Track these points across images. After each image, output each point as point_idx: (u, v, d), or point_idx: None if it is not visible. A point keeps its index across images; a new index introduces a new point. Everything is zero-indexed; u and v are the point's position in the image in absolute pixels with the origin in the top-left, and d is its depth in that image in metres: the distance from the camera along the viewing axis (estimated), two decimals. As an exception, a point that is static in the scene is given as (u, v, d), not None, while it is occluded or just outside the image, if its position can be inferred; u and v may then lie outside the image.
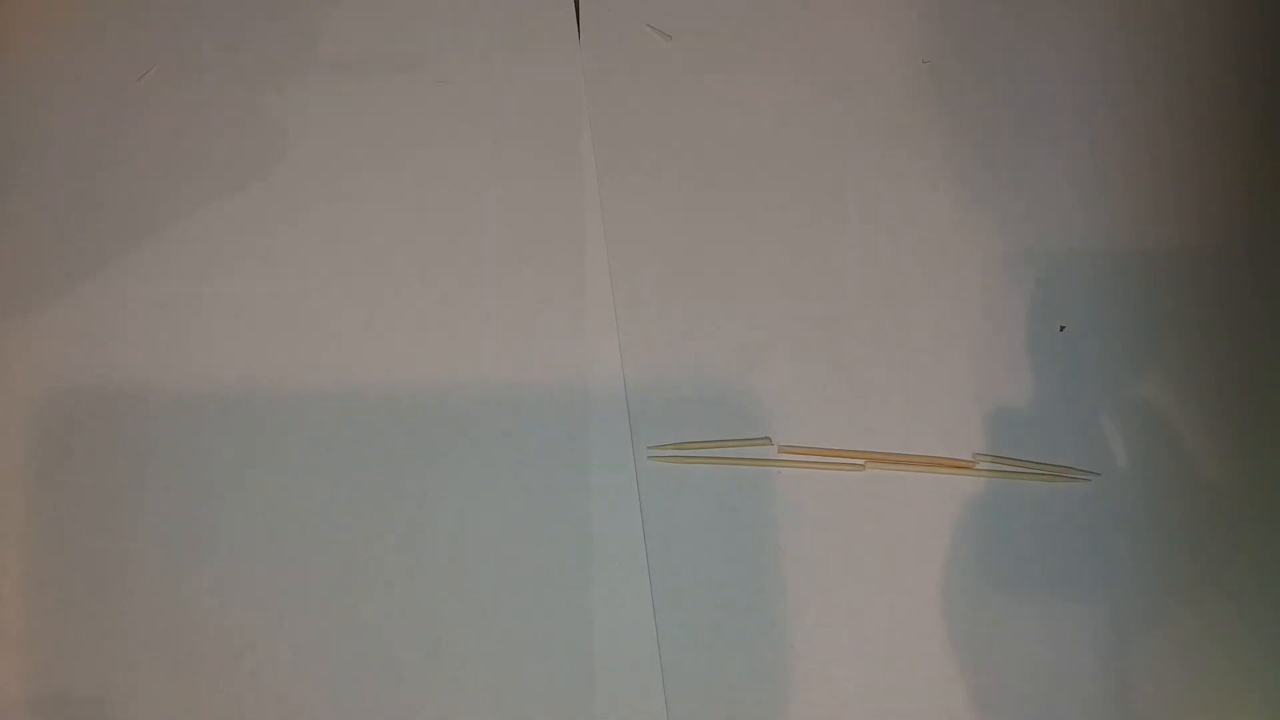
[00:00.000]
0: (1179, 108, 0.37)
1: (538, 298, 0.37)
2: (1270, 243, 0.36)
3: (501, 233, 0.37)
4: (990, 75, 0.37)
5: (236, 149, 0.39)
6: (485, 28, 0.39)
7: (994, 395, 0.35)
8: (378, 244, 0.38)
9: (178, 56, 0.40)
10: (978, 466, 0.35)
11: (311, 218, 0.38)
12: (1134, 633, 0.34)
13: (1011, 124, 0.37)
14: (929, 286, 0.36)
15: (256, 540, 0.36)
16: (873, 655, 0.34)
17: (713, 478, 0.35)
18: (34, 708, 0.34)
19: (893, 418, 0.35)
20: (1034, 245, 0.36)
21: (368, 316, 0.37)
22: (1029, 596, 0.34)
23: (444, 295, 0.37)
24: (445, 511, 0.35)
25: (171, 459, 0.36)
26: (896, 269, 0.36)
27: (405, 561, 0.35)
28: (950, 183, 0.37)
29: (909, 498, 0.35)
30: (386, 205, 0.38)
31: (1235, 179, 0.37)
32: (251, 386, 0.37)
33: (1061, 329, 0.36)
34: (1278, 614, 0.33)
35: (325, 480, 0.36)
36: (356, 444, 0.36)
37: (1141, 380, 0.35)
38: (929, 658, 0.34)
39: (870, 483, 0.35)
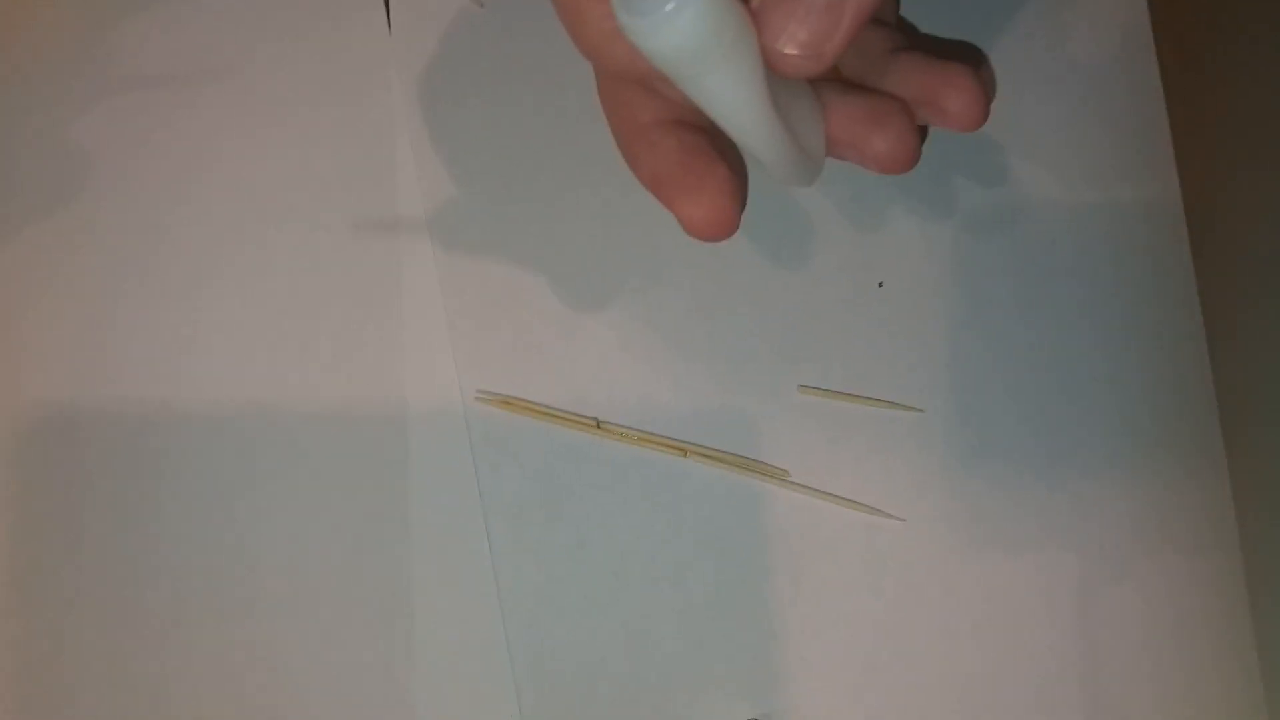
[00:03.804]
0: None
1: (358, 302, 0.37)
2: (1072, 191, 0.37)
3: (321, 230, 0.37)
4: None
5: (38, 176, 0.38)
6: (292, 30, 0.38)
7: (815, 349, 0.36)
8: (191, 260, 0.37)
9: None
10: (801, 393, 0.35)
11: (120, 240, 0.37)
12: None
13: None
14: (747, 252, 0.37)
15: (84, 574, 0.35)
16: (700, 620, 0.35)
17: (540, 439, 0.36)
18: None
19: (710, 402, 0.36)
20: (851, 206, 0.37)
21: (186, 335, 0.37)
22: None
23: (263, 303, 0.37)
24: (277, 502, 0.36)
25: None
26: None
27: (237, 584, 0.35)
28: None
29: (728, 484, 0.35)
30: (198, 218, 0.37)
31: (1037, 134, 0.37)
32: (65, 417, 0.36)
33: (880, 285, 0.36)
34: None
35: (148, 507, 0.36)
36: (180, 468, 0.36)
37: (961, 327, 0.36)
38: (758, 616, 0.35)
39: (690, 469, 0.35)
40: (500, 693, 0.34)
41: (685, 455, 0.35)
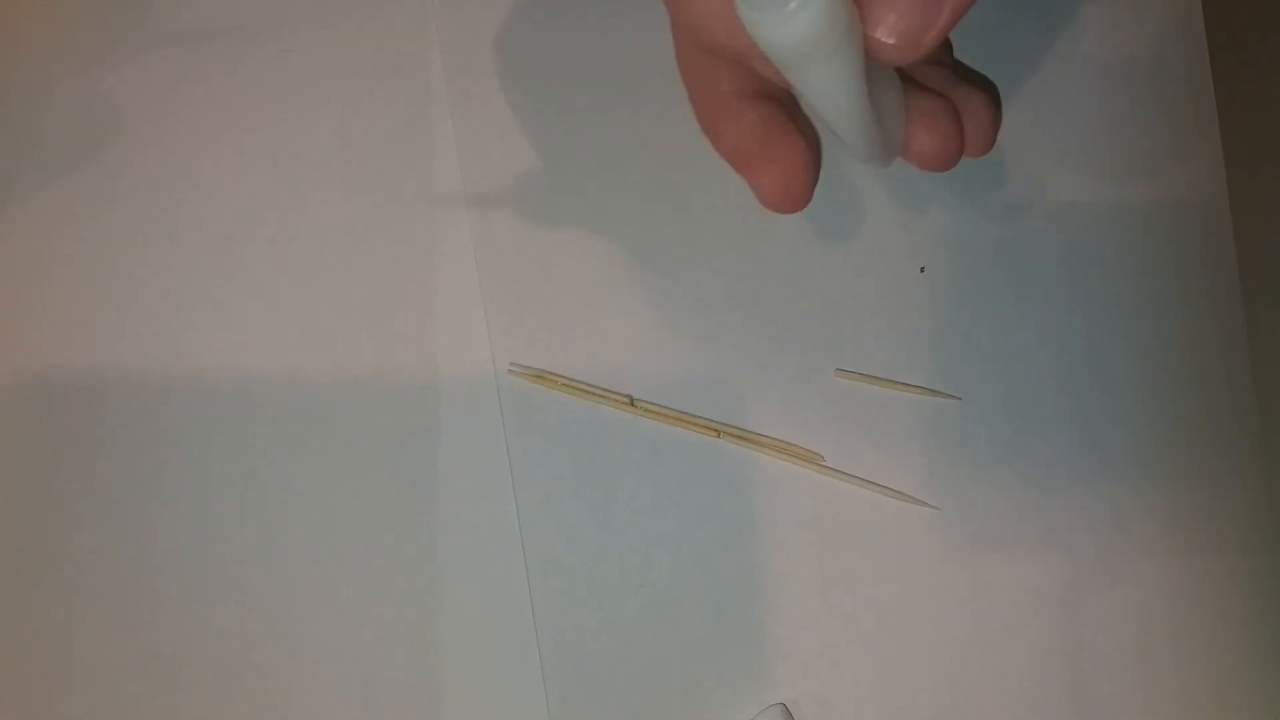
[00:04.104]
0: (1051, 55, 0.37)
1: (393, 271, 0.36)
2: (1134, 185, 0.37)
3: (357, 198, 0.37)
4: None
5: (70, 133, 0.37)
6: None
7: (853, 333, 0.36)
8: (224, 224, 0.37)
9: (5, 31, 0.38)
10: (838, 377, 0.35)
11: (151, 201, 0.37)
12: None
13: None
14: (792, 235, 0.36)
15: (106, 541, 0.35)
16: (727, 603, 0.34)
17: (573, 414, 0.35)
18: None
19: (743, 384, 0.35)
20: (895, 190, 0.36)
21: (216, 299, 0.36)
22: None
23: (297, 270, 0.36)
24: (308, 477, 0.35)
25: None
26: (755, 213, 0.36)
27: (264, 552, 0.35)
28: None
29: (761, 467, 0.35)
30: (231, 183, 0.37)
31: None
32: (90, 383, 0.35)
33: (922, 270, 0.36)
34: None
35: (171, 475, 0.35)
36: (210, 436, 0.35)
37: (1002, 315, 0.36)
38: (787, 601, 0.35)
39: (723, 450, 0.35)
40: (526, 668, 0.34)
41: (718, 436, 0.35)
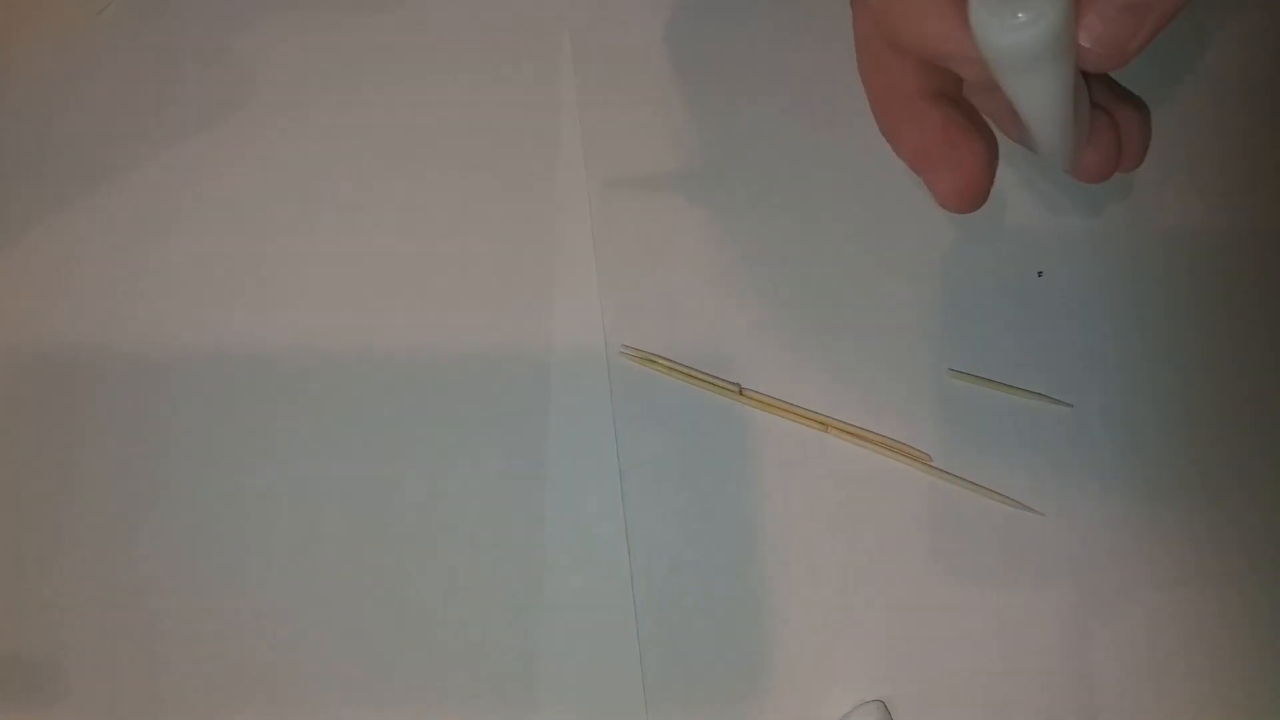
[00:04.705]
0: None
1: (511, 247, 0.36)
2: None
3: (480, 171, 0.37)
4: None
5: (201, 90, 0.38)
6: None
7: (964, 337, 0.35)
8: (348, 191, 0.37)
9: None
10: (950, 378, 0.35)
11: (279, 164, 0.37)
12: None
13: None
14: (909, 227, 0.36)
15: (215, 502, 0.35)
16: (828, 598, 0.34)
17: (680, 399, 0.35)
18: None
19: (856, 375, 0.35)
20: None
21: (338, 266, 0.36)
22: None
23: (421, 239, 0.37)
24: (419, 454, 0.35)
25: (122, 418, 0.35)
26: (879, 206, 0.36)
27: (374, 517, 0.35)
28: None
29: (867, 464, 0.35)
30: (358, 149, 0.37)
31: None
32: (211, 343, 0.36)
33: (1040, 275, 0.36)
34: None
35: (286, 438, 0.35)
36: (324, 400, 0.35)
37: (1119, 326, 0.35)
38: (888, 600, 0.34)
39: (829, 445, 0.35)
40: (624, 647, 0.34)
41: (826, 430, 0.35)
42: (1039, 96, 0.23)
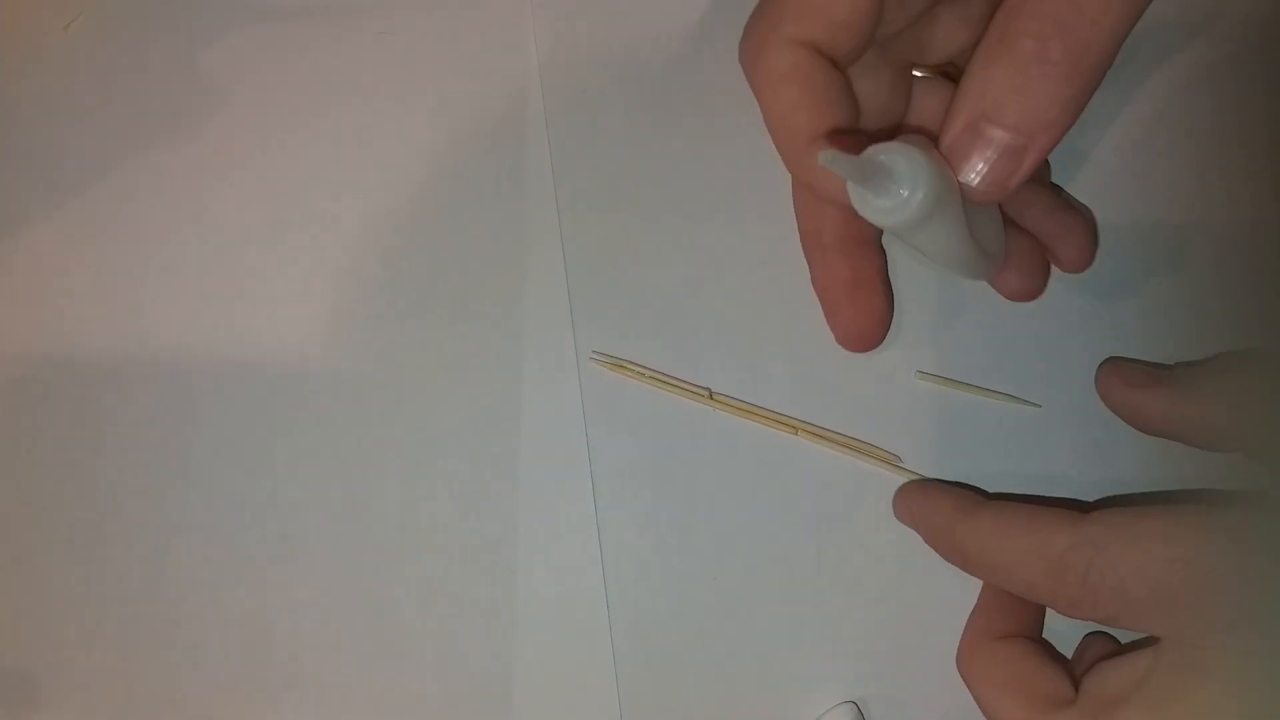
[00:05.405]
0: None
1: (479, 254, 0.37)
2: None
3: (449, 181, 0.37)
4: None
5: (169, 102, 0.38)
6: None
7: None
8: (317, 201, 0.37)
9: (108, 2, 0.39)
10: (919, 379, 0.35)
11: (248, 177, 0.37)
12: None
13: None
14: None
15: (182, 512, 0.35)
16: (801, 601, 0.34)
17: (651, 405, 0.35)
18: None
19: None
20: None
21: (307, 277, 0.37)
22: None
23: (390, 248, 0.37)
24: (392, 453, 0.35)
25: (97, 427, 0.36)
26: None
27: (345, 526, 0.35)
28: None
29: (838, 466, 0.35)
30: (327, 160, 0.37)
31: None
32: (179, 354, 0.36)
33: None
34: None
35: (255, 448, 0.36)
36: (294, 410, 0.36)
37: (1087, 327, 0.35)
38: (861, 602, 0.35)
39: (800, 448, 0.35)
40: (599, 653, 0.34)
41: (796, 433, 0.35)
42: (936, 245, 0.25)
